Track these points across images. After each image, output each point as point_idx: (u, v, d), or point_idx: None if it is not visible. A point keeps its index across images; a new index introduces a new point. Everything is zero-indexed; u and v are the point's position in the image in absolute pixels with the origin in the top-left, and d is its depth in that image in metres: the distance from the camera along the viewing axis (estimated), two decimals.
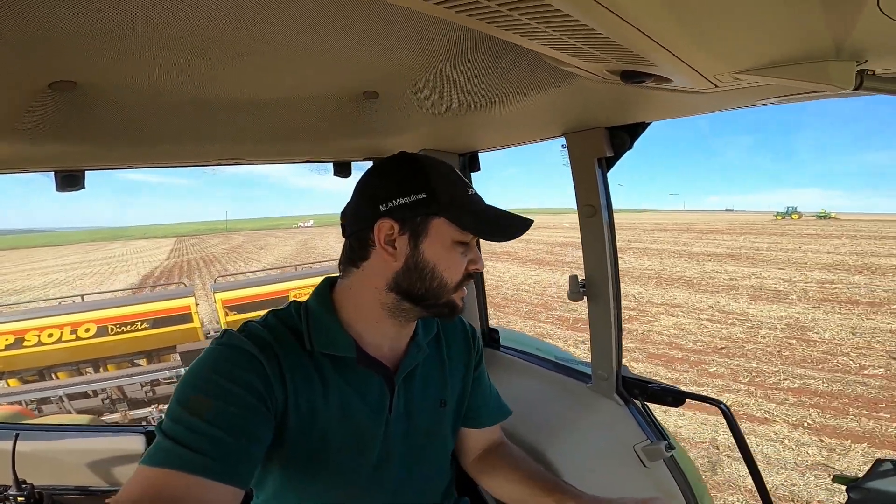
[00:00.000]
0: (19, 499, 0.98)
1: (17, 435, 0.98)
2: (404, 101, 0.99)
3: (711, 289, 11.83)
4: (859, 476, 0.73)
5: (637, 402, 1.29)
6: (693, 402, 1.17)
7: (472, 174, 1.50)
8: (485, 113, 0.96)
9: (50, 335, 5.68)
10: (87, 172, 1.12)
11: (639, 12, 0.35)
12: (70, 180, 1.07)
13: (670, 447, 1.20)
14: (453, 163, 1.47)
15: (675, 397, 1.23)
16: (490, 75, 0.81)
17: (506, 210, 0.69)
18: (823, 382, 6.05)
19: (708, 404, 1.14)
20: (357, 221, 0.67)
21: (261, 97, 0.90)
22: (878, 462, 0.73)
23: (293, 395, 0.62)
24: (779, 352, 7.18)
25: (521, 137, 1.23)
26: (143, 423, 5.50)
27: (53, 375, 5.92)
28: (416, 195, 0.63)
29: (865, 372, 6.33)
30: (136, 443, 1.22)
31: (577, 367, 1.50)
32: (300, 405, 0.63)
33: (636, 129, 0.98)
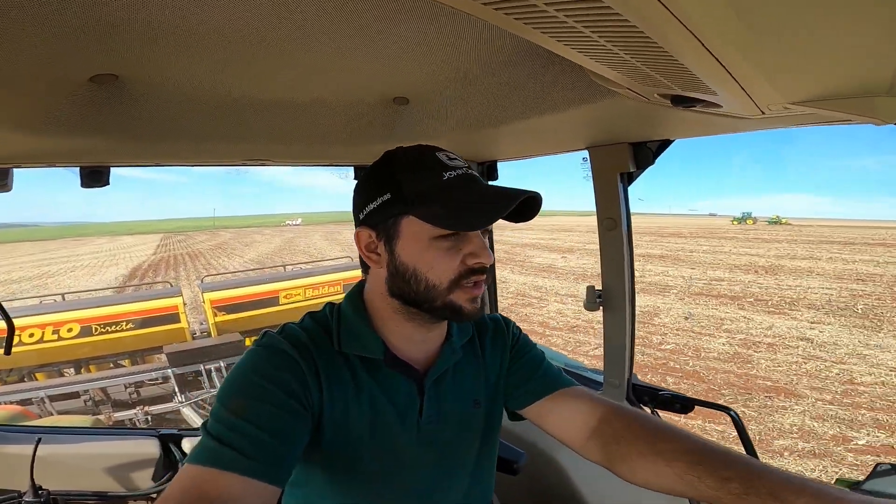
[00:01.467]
0: None
1: (38, 440, 0.95)
2: (435, 108, 1.01)
3: None
4: (861, 479, 0.77)
5: (647, 409, 1.32)
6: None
7: (490, 183, 1.52)
8: (514, 125, 0.98)
9: (31, 335, 5.48)
10: (111, 169, 1.11)
11: (717, 36, 0.37)
12: (95, 176, 1.06)
13: None
14: None
15: (683, 404, 1.27)
16: (526, 89, 0.83)
17: (500, 187, 0.62)
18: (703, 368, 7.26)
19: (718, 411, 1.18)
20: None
21: (295, 99, 0.91)
22: (879, 466, 0.77)
23: (329, 396, 0.63)
24: (648, 341, 8.48)
25: (543, 149, 1.26)
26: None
27: (33, 376, 5.71)
28: (381, 197, 0.61)
29: (661, 346, 7.82)
30: (150, 447, 1.20)
31: (587, 374, 1.53)
32: (335, 406, 0.63)
33: (661, 145, 1.02)
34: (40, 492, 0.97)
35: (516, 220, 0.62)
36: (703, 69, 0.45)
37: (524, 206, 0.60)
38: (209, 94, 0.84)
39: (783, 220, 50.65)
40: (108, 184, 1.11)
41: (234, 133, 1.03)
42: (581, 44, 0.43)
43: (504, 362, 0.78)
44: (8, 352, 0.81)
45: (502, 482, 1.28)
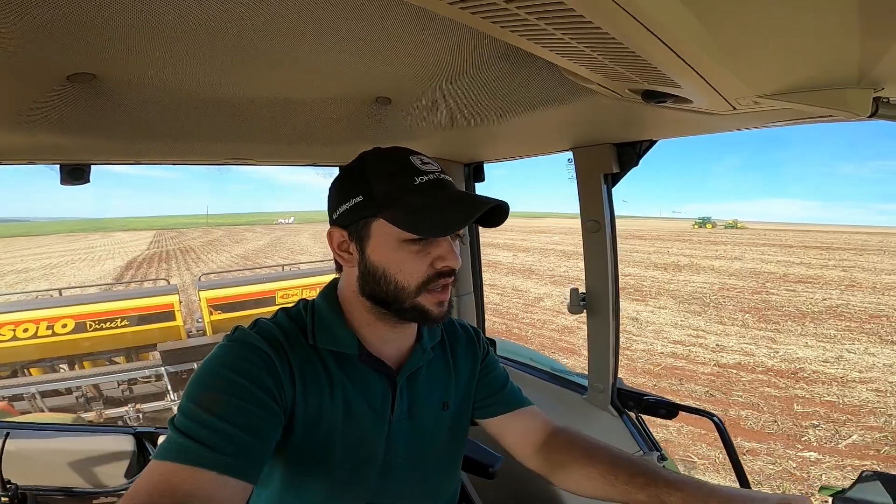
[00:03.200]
0: (2, 499, 0.95)
1: (7, 434, 0.94)
2: (417, 108, 1.00)
3: (535, 277, 14.66)
4: (845, 487, 0.76)
5: (631, 413, 1.31)
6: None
7: (477, 184, 1.51)
8: (496, 125, 0.98)
9: (25, 330, 5.48)
10: (92, 166, 1.11)
11: (673, 31, 0.37)
12: (76, 173, 1.06)
13: (662, 458, 1.22)
14: (457, 172, 1.48)
15: (668, 410, 1.25)
16: (506, 88, 0.83)
17: (468, 194, 0.64)
18: (506, 327, 8.80)
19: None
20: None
21: (276, 98, 0.91)
22: (864, 473, 0.75)
23: (302, 393, 0.62)
24: (507, 313, 10.06)
25: (528, 150, 1.25)
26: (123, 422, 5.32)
27: (27, 371, 5.70)
28: (354, 199, 0.63)
29: (522, 319, 9.16)
30: (125, 443, 1.18)
31: (572, 378, 1.52)
32: (308, 403, 0.63)
33: (644, 146, 1.01)
34: (8, 486, 0.96)
35: (485, 225, 0.64)
36: (663, 63, 0.44)
37: (492, 212, 0.62)
38: (189, 94, 0.84)
39: (739, 224, 52.76)
40: (89, 181, 1.11)
41: (215, 132, 1.02)
42: (547, 41, 0.44)
43: (475, 373, 0.81)
44: None
45: (483, 486, 1.27)
